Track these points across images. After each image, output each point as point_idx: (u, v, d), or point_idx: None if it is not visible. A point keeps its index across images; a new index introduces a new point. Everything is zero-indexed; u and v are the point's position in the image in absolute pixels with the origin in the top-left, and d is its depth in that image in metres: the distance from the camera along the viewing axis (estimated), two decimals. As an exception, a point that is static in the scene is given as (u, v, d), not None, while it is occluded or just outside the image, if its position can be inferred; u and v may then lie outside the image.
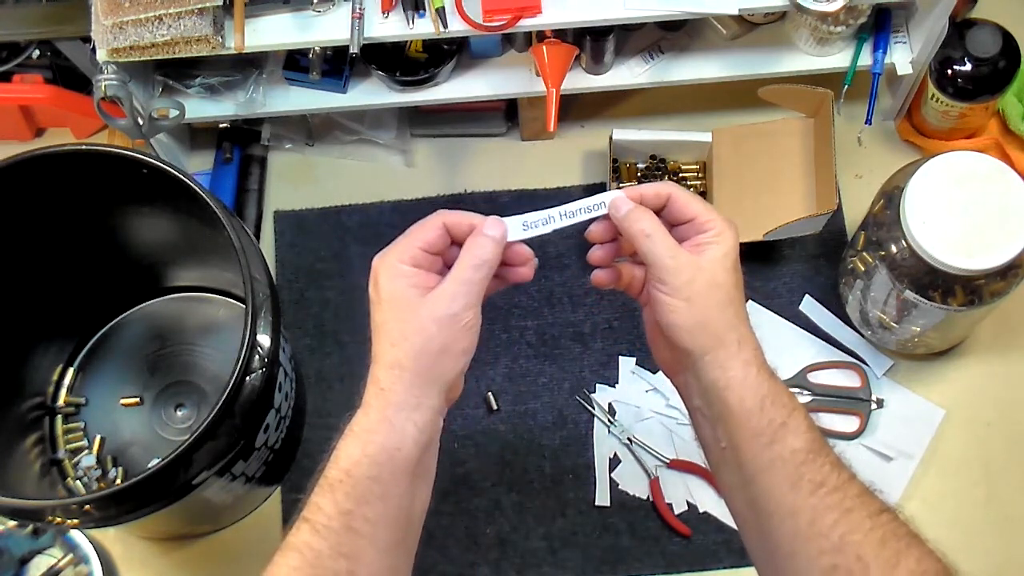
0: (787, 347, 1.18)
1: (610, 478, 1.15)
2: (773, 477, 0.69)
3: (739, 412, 0.70)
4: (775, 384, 0.72)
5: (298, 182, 1.29)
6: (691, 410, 0.76)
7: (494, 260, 0.73)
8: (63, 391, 1.19)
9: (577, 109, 1.29)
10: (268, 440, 1.02)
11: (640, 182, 1.24)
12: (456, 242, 0.74)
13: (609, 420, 1.16)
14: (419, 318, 0.70)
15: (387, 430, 0.69)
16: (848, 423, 1.15)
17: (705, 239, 0.73)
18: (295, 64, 1.18)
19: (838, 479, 0.69)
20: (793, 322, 1.20)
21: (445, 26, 1.04)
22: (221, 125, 1.27)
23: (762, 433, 0.70)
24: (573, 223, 0.77)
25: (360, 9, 1.04)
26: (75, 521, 0.90)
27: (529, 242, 0.77)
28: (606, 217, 0.76)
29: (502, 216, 0.76)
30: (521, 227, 0.76)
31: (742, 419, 0.70)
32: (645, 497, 1.14)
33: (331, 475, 0.69)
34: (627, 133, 1.21)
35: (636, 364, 1.19)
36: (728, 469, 0.73)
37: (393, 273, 0.72)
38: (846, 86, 1.18)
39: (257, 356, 0.93)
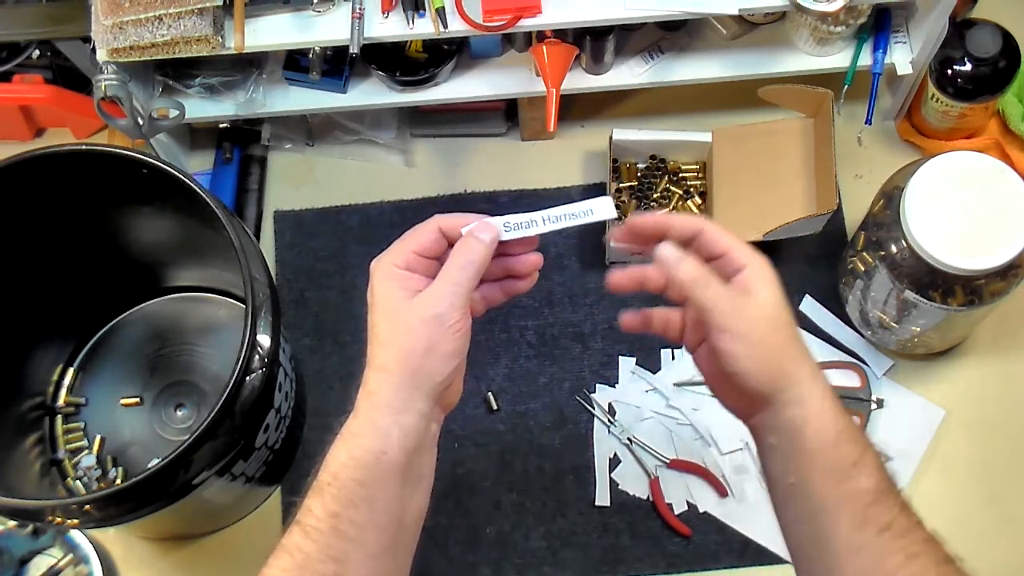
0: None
1: (610, 478, 1.15)
2: (840, 515, 0.68)
3: (814, 446, 0.69)
4: (848, 420, 0.71)
5: (298, 182, 1.29)
6: (763, 449, 0.75)
7: (482, 262, 0.72)
8: (63, 391, 1.19)
9: (577, 109, 1.29)
10: (268, 440, 1.02)
11: (640, 182, 1.24)
12: (452, 244, 0.74)
13: (609, 420, 1.16)
14: (405, 320, 0.70)
15: (372, 433, 0.69)
16: (848, 423, 1.15)
17: (747, 276, 0.72)
18: (295, 64, 1.18)
19: (906, 522, 0.68)
20: (793, 322, 1.20)
21: (445, 26, 1.04)
22: (221, 125, 1.27)
23: (835, 469, 0.69)
24: (558, 228, 0.75)
25: (360, 9, 1.04)
26: (75, 521, 0.90)
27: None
28: (612, 225, 0.75)
29: (490, 216, 0.74)
30: (503, 228, 0.74)
31: (816, 454, 0.69)
32: (645, 497, 1.14)
33: (321, 478, 0.69)
34: (627, 133, 1.21)
35: (636, 364, 1.19)
36: (795, 505, 0.71)
37: (386, 276, 0.72)
38: (846, 86, 1.18)
39: (257, 356, 0.93)
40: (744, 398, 0.73)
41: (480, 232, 0.73)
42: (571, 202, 0.76)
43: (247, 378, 0.92)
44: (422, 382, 0.70)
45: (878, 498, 0.68)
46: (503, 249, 0.75)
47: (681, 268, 0.72)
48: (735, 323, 0.70)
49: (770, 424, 0.72)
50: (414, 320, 0.70)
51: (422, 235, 0.73)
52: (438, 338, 0.70)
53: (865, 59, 1.17)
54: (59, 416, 1.18)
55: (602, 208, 0.75)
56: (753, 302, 0.71)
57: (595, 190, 1.26)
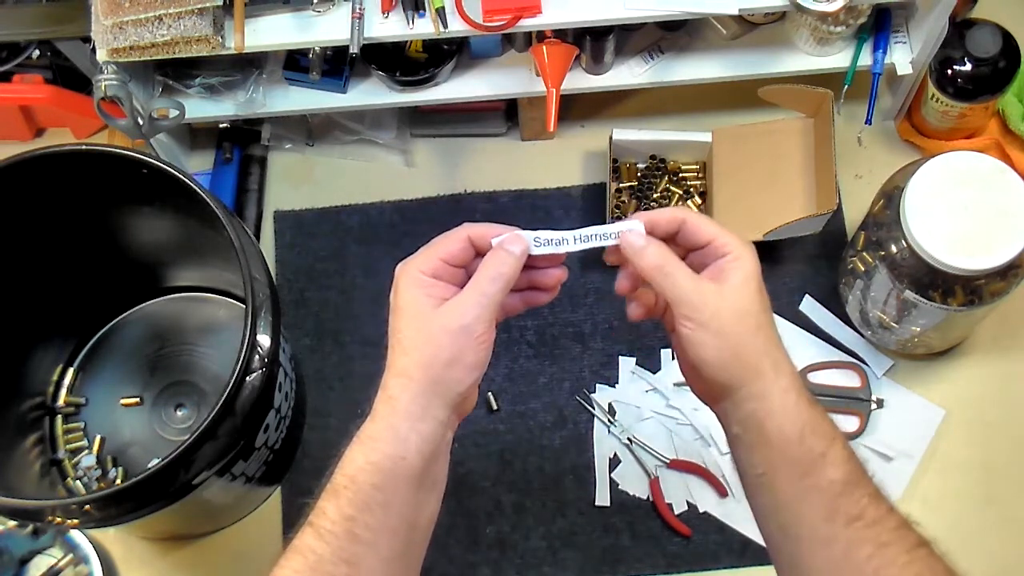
0: (787, 347, 1.18)
1: (610, 478, 1.15)
2: (808, 507, 0.68)
3: (777, 441, 0.69)
4: (815, 412, 0.70)
5: (298, 182, 1.29)
6: (729, 437, 0.75)
7: (512, 275, 0.72)
8: (63, 391, 1.19)
9: (577, 109, 1.29)
10: (268, 440, 1.02)
11: (640, 182, 1.24)
12: (480, 254, 0.73)
13: (609, 420, 1.16)
14: (430, 328, 0.70)
15: (391, 438, 0.69)
16: (848, 423, 1.15)
17: (724, 264, 0.71)
18: (295, 64, 1.18)
19: (875, 512, 0.68)
20: (793, 322, 1.20)
21: (445, 26, 1.04)
22: (221, 125, 1.27)
23: (800, 463, 0.68)
24: (587, 248, 0.74)
25: (360, 9, 1.04)
26: (75, 521, 0.90)
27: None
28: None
29: (504, 229, 0.73)
30: (533, 243, 0.74)
31: (780, 448, 0.69)
32: (645, 497, 1.14)
33: (337, 480, 0.69)
34: (627, 133, 1.21)
35: (636, 364, 1.19)
36: (763, 495, 0.71)
37: (411, 282, 0.71)
38: (846, 86, 1.18)
39: (257, 356, 0.93)
40: (709, 385, 0.73)
41: (511, 245, 0.72)
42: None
43: (247, 378, 0.92)
44: (443, 391, 0.70)
45: (846, 489, 0.68)
46: (529, 262, 0.74)
47: (646, 255, 0.71)
48: (698, 312, 0.70)
49: (733, 415, 0.72)
50: (439, 329, 0.70)
51: (450, 243, 0.73)
52: (463, 349, 0.70)
53: (865, 59, 1.17)
54: (59, 416, 1.18)
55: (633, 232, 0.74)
56: (722, 290, 0.70)
57: (595, 190, 1.26)
